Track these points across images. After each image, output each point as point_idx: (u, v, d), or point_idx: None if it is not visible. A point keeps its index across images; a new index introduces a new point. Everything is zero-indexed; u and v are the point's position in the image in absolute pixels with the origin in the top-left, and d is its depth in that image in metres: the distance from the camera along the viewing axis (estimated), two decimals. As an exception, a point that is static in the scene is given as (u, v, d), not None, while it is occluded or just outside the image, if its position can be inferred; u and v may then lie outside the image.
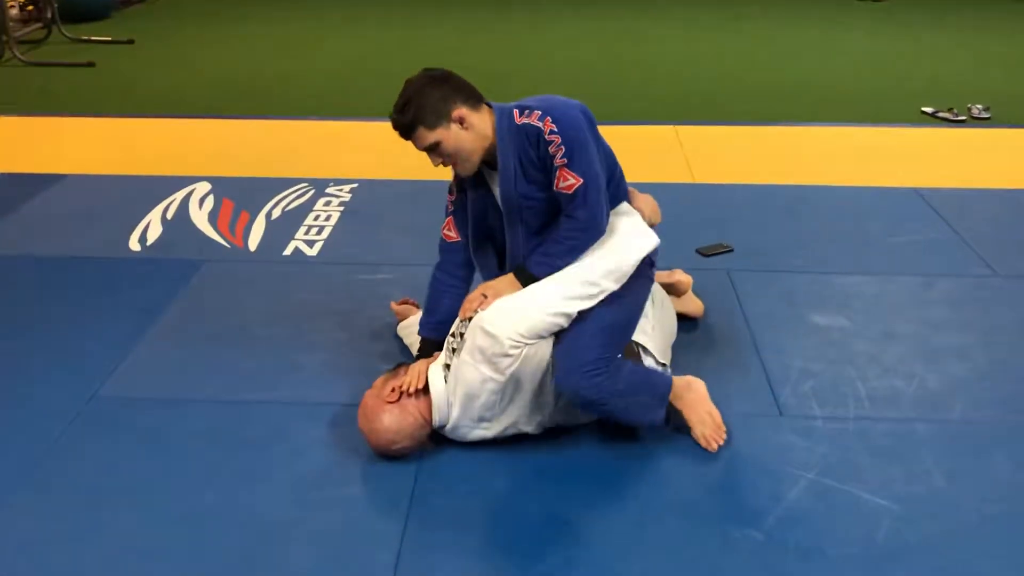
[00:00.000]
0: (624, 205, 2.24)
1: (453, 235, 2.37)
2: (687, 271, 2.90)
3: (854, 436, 2.27)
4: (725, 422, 2.24)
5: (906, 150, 4.42)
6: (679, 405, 2.24)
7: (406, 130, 2.10)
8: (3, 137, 4.59)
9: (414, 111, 2.07)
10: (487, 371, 2.04)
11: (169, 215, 3.60)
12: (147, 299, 2.92)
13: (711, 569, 1.86)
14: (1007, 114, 5.03)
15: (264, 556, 1.90)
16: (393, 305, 2.77)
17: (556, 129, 2.08)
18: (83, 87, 5.62)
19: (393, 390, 2.14)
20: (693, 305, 2.79)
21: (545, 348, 2.07)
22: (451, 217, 2.37)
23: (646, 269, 2.20)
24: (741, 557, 1.89)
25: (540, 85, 5.64)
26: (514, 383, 2.06)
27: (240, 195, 3.77)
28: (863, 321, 2.81)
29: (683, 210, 3.64)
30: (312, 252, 3.29)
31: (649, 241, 2.18)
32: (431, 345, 2.31)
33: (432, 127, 2.08)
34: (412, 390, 2.12)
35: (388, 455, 2.15)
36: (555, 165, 2.09)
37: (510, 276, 2.18)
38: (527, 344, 2.03)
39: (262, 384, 2.49)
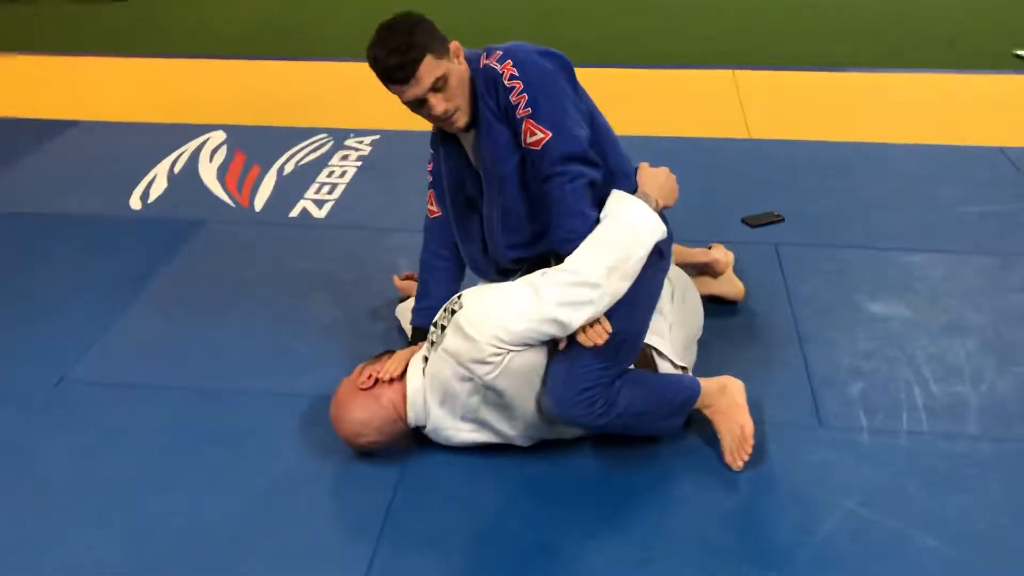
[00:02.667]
0: (617, 194, 1.87)
1: (436, 209, 2.08)
2: (730, 245, 2.58)
3: (905, 456, 1.95)
4: (757, 432, 1.94)
5: (993, 101, 3.94)
6: (708, 412, 1.95)
7: (411, 64, 1.73)
8: (22, 78, 4.42)
9: (422, 39, 1.73)
10: (464, 373, 1.77)
11: (177, 168, 3.39)
12: (137, 266, 2.72)
13: (722, 621, 1.60)
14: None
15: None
16: (396, 280, 2.52)
17: (517, 73, 1.76)
18: (113, 24, 5.42)
19: (369, 376, 1.90)
20: (731, 287, 2.47)
21: (533, 357, 1.79)
22: (432, 190, 2.08)
23: (657, 261, 1.87)
24: (758, 608, 1.62)
25: (592, 21, 5.25)
26: (496, 393, 1.79)
27: (254, 147, 3.53)
28: (927, 309, 2.45)
29: (733, 171, 3.30)
30: (320, 214, 3.05)
31: (655, 231, 1.83)
32: (422, 334, 2.05)
33: (439, 56, 1.76)
34: (387, 378, 1.88)
35: (357, 447, 1.93)
36: (519, 117, 1.77)
37: None
38: (511, 351, 1.74)
39: (245, 371, 2.27)
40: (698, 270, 2.44)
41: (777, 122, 3.74)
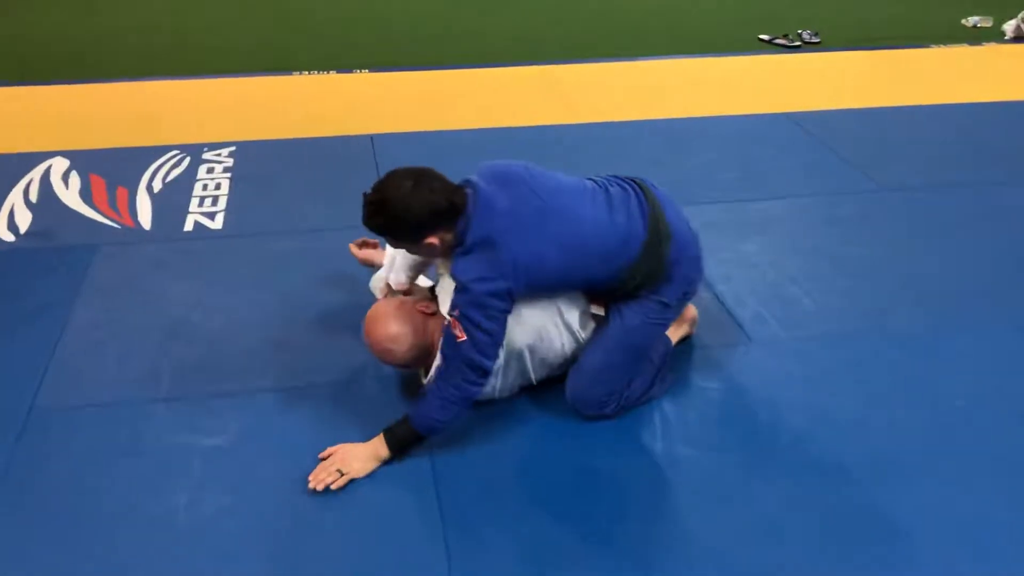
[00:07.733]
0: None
1: None
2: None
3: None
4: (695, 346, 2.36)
5: (765, 77, 4.66)
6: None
7: (375, 230, 1.98)
8: None
9: (384, 224, 1.94)
10: None
11: (32, 197, 3.22)
12: (48, 294, 2.60)
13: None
14: (833, 38, 5.41)
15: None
16: (352, 248, 2.49)
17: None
18: None
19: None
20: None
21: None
22: None
23: (663, 310, 2.13)
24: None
25: (406, 24, 5.45)
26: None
27: (107, 169, 3.42)
28: (783, 242, 2.97)
29: (575, 151, 3.67)
30: (216, 225, 3.05)
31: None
32: None
33: (400, 240, 2.00)
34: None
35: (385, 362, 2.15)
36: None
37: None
38: None
39: (212, 376, 2.28)
40: None
41: (597, 107, 4.18)
